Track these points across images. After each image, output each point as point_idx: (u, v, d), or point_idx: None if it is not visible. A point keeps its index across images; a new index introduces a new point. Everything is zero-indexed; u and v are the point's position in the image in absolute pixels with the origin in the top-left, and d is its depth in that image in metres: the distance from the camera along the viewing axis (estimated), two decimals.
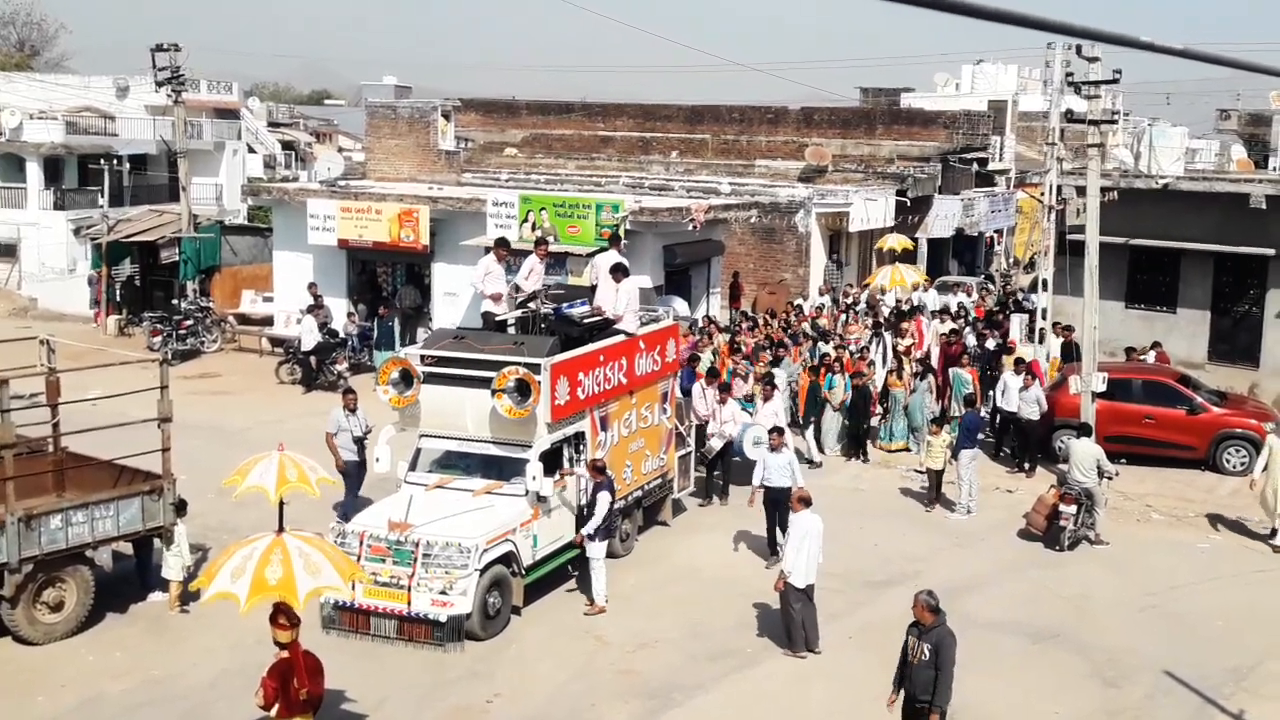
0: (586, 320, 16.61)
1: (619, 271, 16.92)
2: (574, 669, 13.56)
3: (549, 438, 14.90)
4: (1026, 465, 21.40)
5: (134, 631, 14.37)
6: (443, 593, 13.55)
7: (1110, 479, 18.37)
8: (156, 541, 15.08)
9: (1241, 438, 21.37)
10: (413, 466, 15.44)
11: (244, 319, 33.20)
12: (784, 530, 15.34)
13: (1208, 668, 13.71)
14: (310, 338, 27.13)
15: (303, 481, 11.18)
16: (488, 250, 17.92)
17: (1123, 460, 20.34)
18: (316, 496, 11.81)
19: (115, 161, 44.04)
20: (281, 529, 10.29)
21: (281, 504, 10.89)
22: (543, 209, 26.37)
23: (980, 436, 20.53)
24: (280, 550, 9.86)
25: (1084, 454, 17.84)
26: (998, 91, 55.81)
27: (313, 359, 27.13)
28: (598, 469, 15.10)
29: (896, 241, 32.15)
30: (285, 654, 10.20)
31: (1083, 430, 18.64)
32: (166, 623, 14.59)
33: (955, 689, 13.12)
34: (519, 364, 14.39)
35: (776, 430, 17.01)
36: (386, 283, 30.42)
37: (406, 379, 15.06)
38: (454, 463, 15.44)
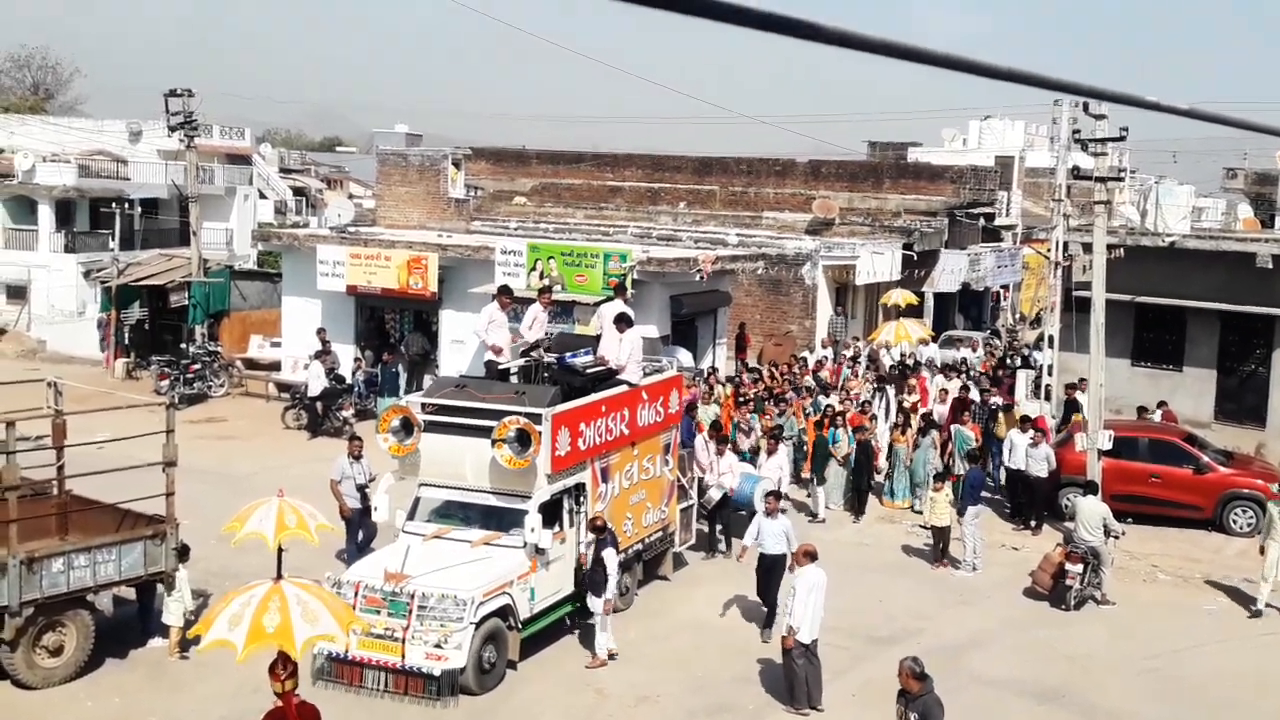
0: (589, 370, 16.54)
1: (623, 321, 16.88)
2: None
3: (549, 489, 14.74)
4: (1033, 523, 21.28)
5: (133, 677, 14.29)
6: (437, 646, 13.36)
7: (1117, 538, 18.27)
8: (158, 586, 15.03)
9: (1248, 498, 21.26)
10: (411, 516, 15.26)
11: (252, 364, 33.26)
12: (770, 598, 15.23)
13: None
14: (317, 383, 27.18)
15: (302, 528, 11.15)
16: (495, 299, 17.88)
17: (1129, 519, 20.25)
18: (315, 544, 11.77)
19: (127, 205, 44.31)
20: (280, 576, 10.25)
21: (280, 551, 10.86)
22: (551, 258, 26.48)
23: (985, 495, 20.47)
24: (278, 598, 9.81)
25: (1090, 512, 17.76)
26: (1005, 147, 56.11)
27: (319, 405, 27.16)
28: (596, 527, 14.90)
29: (901, 297, 32.15)
30: (280, 703, 10.15)
31: (1089, 488, 18.56)
32: (166, 669, 14.51)
33: None
34: (520, 413, 14.28)
35: (773, 494, 16.69)
36: (394, 329, 30.49)
37: (407, 427, 14.96)
38: (453, 513, 15.26)
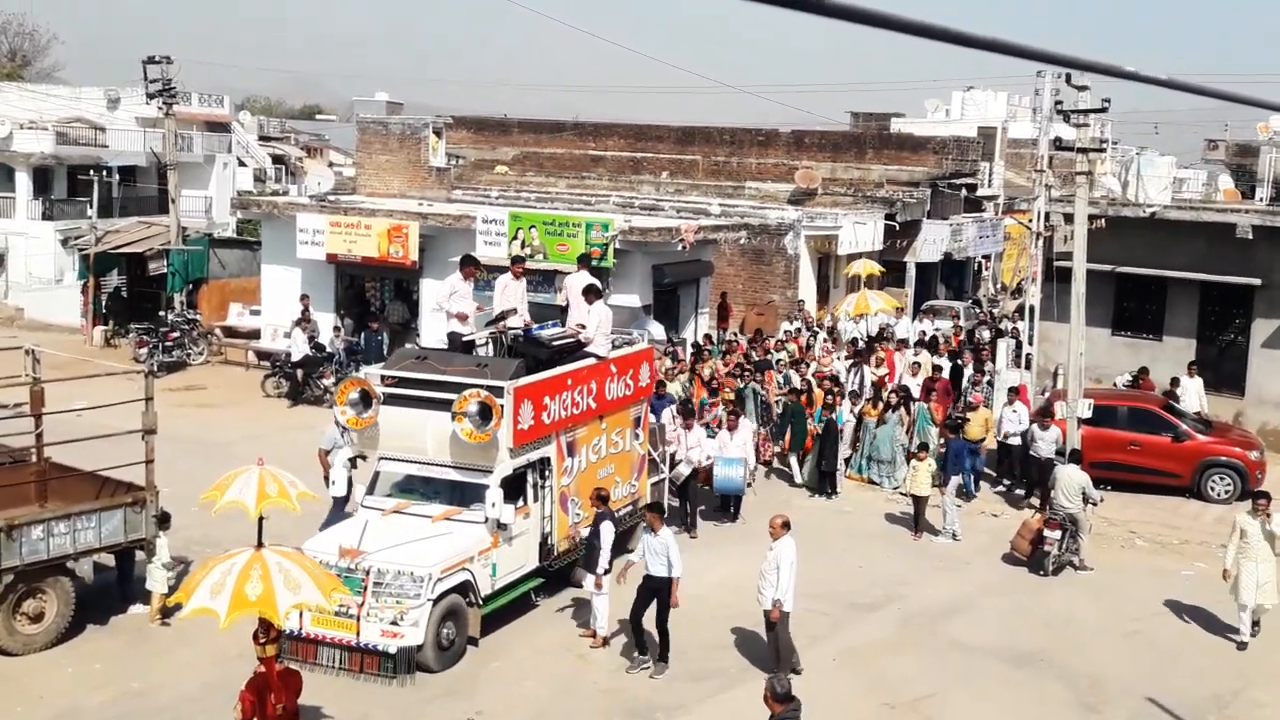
0: (556, 342, 16.23)
1: (591, 293, 16.58)
2: (557, 687, 13.50)
3: (511, 463, 14.48)
4: (1035, 501, 20.54)
5: (114, 644, 14.29)
6: (393, 623, 13.12)
7: (1095, 505, 18.39)
8: (138, 553, 15.01)
9: (1226, 465, 21.44)
10: (370, 490, 15.01)
11: (231, 332, 33.16)
12: (636, 622, 13.89)
13: (1190, 694, 13.71)
14: (299, 350, 27.12)
15: (283, 497, 11.11)
16: (460, 269, 17.27)
17: (1107, 486, 20.36)
18: (297, 512, 11.74)
19: (105, 173, 43.98)
20: (261, 544, 10.23)
21: (261, 519, 10.83)
22: (532, 227, 26.40)
23: (968, 465, 20.52)
24: (260, 566, 9.79)
25: (1070, 480, 17.85)
26: (987, 118, 56.05)
27: (299, 372, 27.09)
28: (601, 498, 14.74)
29: (864, 267, 31.83)
30: (262, 668, 10.18)
31: (1071, 457, 18.65)
32: (147, 635, 14.51)
33: (938, 711, 13.14)
34: (481, 386, 14.02)
35: (655, 508, 14.98)
36: (375, 298, 30.41)
37: (365, 399, 14.55)
38: (414, 487, 14.99)
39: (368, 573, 13.34)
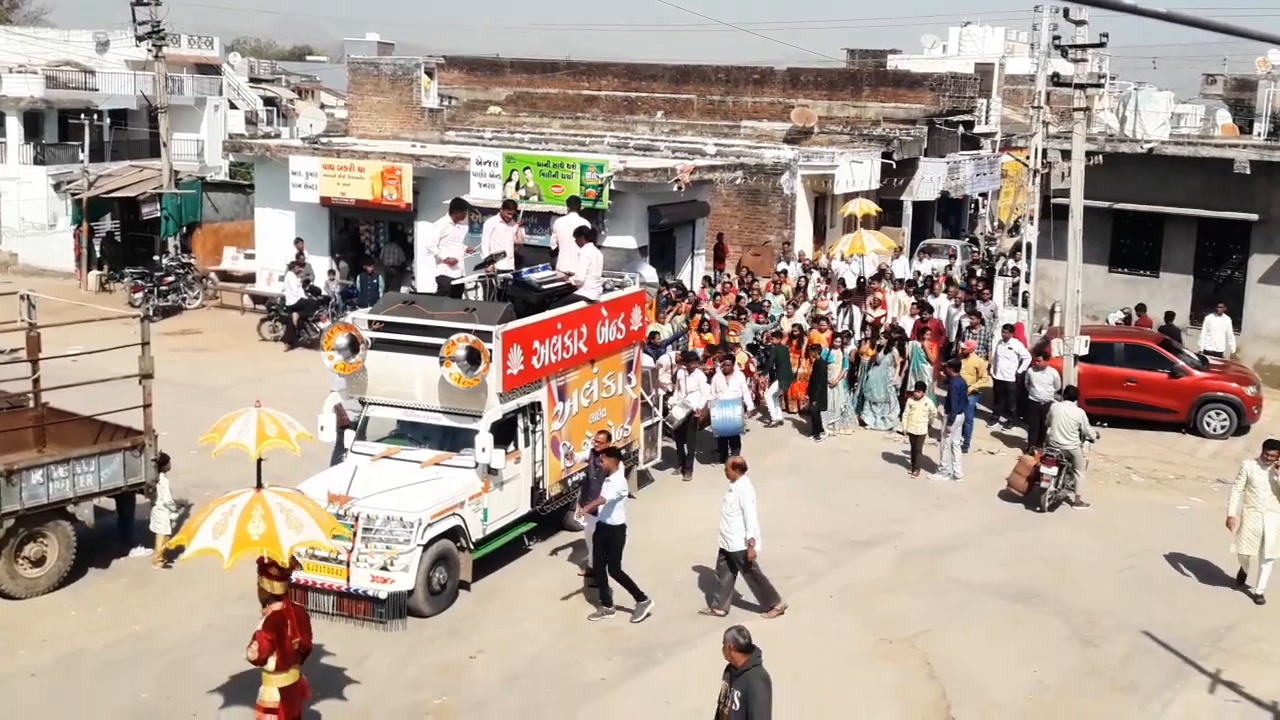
0: (546, 286, 16.08)
1: (582, 235, 16.45)
2: (557, 627, 13.59)
3: (501, 408, 14.40)
4: (1031, 447, 20.80)
5: (116, 587, 14.37)
6: (383, 568, 13.13)
7: (1091, 442, 18.44)
8: (139, 497, 15.06)
9: (1222, 401, 21.52)
10: (360, 435, 14.92)
11: (226, 276, 33.05)
12: (599, 572, 13.91)
13: (1186, 629, 13.83)
14: (293, 294, 27.05)
15: (282, 438, 11.09)
16: (450, 213, 17.04)
17: (1104, 423, 20.43)
18: (297, 453, 11.75)
19: (96, 116, 43.64)
20: (260, 485, 10.25)
21: (260, 461, 10.84)
22: (527, 168, 26.25)
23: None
24: (261, 506, 9.82)
25: (1066, 417, 17.89)
26: (985, 54, 55.62)
27: (295, 316, 27.05)
28: (608, 435, 14.71)
29: (859, 207, 31.69)
30: (278, 606, 10.19)
31: (1066, 393, 18.69)
32: (149, 578, 14.59)
33: (935, 647, 13.25)
34: (469, 331, 13.93)
35: (610, 453, 14.17)
36: (369, 241, 30.28)
37: (353, 345, 14.40)
38: (404, 432, 14.93)
39: (357, 518, 13.31)
